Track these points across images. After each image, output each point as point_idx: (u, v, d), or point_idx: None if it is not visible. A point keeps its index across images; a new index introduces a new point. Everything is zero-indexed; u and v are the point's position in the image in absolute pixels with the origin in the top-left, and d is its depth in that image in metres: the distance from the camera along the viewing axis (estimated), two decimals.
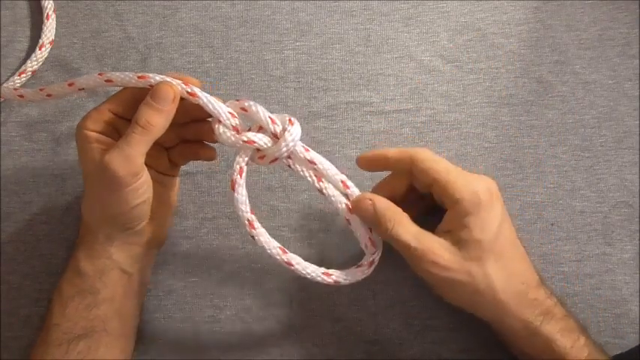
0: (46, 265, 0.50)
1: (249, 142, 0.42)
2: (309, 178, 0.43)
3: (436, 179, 0.43)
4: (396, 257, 0.48)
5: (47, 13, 0.55)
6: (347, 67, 0.55)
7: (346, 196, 0.44)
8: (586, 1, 0.57)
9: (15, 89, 0.47)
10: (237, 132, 0.42)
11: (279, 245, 0.43)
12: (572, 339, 0.42)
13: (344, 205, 0.44)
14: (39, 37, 0.55)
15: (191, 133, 0.45)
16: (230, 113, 0.42)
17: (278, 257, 0.43)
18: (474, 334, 0.49)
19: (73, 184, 0.52)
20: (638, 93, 0.55)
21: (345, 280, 0.44)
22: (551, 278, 0.50)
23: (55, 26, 0.56)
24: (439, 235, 0.43)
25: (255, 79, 0.55)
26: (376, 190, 0.47)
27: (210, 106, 0.41)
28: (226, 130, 0.42)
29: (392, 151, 0.45)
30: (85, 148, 0.42)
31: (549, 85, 0.55)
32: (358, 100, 0.55)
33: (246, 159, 0.42)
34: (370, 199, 0.43)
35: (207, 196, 0.52)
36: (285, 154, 0.42)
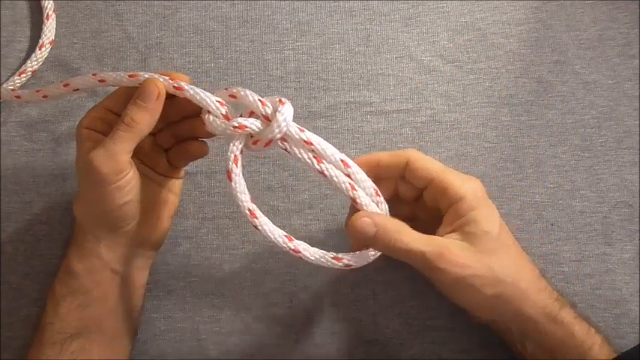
0: (46, 265, 0.50)
1: (240, 127, 0.40)
2: (308, 160, 0.41)
3: (434, 178, 0.43)
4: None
5: (47, 13, 0.55)
6: (347, 67, 0.55)
7: (348, 175, 0.42)
8: (586, 1, 0.57)
9: (12, 90, 0.48)
10: (228, 120, 0.41)
11: (284, 233, 0.42)
12: (585, 326, 0.43)
13: (347, 185, 0.41)
14: (39, 37, 0.55)
15: (185, 130, 0.45)
16: (219, 102, 0.41)
17: (284, 245, 0.41)
18: (474, 334, 0.49)
19: (73, 184, 0.52)
20: (638, 93, 0.55)
21: (356, 262, 0.42)
22: (551, 278, 0.50)
23: (55, 26, 0.56)
24: (444, 236, 0.42)
25: (255, 79, 0.55)
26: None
27: (198, 97, 0.41)
28: (216, 118, 0.41)
29: (384, 155, 0.44)
30: (79, 146, 0.42)
31: (549, 85, 0.55)
32: (358, 100, 0.55)
33: (240, 146, 0.41)
34: (366, 217, 0.41)
35: (207, 196, 0.52)
36: (279, 136, 0.40)
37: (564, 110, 0.55)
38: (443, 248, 0.40)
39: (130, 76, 0.41)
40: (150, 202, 0.45)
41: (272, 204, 0.52)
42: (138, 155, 0.44)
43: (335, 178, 0.41)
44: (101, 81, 0.43)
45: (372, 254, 0.43)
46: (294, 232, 0.51)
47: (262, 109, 0.40)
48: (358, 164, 0.43)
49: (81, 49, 0.56)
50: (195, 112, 0.42)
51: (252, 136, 0.41)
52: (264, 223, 0.41)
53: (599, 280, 0.51)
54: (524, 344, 0.43)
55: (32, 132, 0.53)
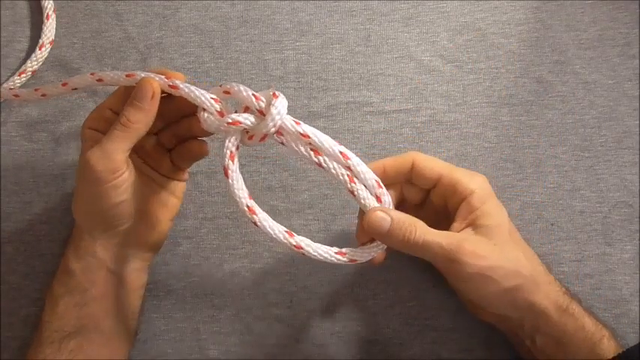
0: (46, 265, 0.50)
1: (234, 122, 0.40)
2: (305, 153, 0.41)
3: (443, 176, 0.43)
4: (395, 258, 0.48)
5: (47, 13, 0.55)
6: (347, 67, 0.55)
7: (347, 167, 0.41)
8: (586, 1, 0.57)
9: (11, 89, 0.47)
10: (223, 116, 0.41)
11: (285, 229, 0.41)
12: (594, 319, 0.43)
13: (346, 177, 0.41)
14: (39, 37, 0.55)
15: (185, 129, 0.45)
16: (213, 99, 0.40)
17: (285, 241, 0.41)
18: (474, 334, 0.49)
19: (73, 184, 0.52)
20: (638, 93, 0.55)
21: (361, 256, 0.42)
22: None
23: (55, 26, 0.56)
24: (459, 231, 0.42)
25: (255, 79, 0.55)
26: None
27: (192, 95, 0.40)
28: (210, 115, 0.40)
29: (388, 160, 0.44)
30: (82, 146, 0.43)
31: (549, 85, 0.55)
32: (358, 100, 0.55)
33: (236, 142, 0.41)
34: (381, 210, 0.41)
35: (207, 196, 0.52)
36: (273, 130, 0.40)
37: (564, 110, 0.55)
38: (462, 241, 0.40)
39: (127, 75, 0.41)
40: (149, 203, 0.45)
41: (272, 204, 0.52)
42: (142, 156, 0.44)
43: (333, 170, 0.41)
44: (99, 80, 0.43)
45: (376, 248, 0.42)
46: (294, 232, 0.51)
47: (256, 104, 0.40)
48: None
49: (81, 49, 0.56)
50: (193, 110, 0.42)
51: (247, 132, 0.41)
52: (264, 219, 0.41)
53: (599, 280, 0.51)
54: (535, 339, 0.43)
55: (32, 132, 0.53)
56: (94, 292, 0.43)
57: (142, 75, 0.41)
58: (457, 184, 0.43)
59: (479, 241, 0.41)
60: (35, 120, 0.54)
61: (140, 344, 0.49)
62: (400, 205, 0.45)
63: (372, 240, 0.43)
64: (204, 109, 0.41)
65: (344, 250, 0.42)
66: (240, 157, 0.52)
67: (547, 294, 0.42)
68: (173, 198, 0.47)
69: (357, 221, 0.44)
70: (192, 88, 0.40)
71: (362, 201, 0.42)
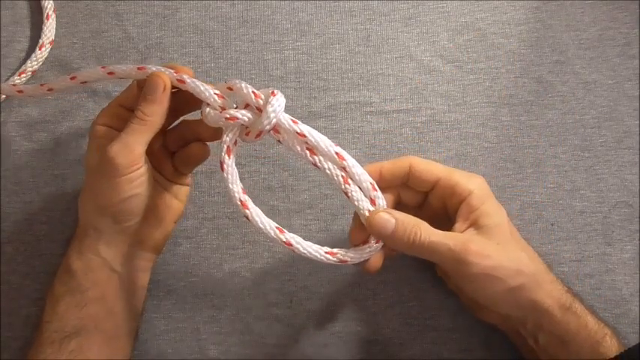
0: (46, 265, 0.50)
1: (232, 118, 0.40)
2: (301, 152, 0.41)
3: (441, 178, 0.43)
4: (395, 258, 0.48)
5: (47, 13, 0.55)
6: (347, 67, 0.55)
7: (343, 168, 0.41)
8: (586, 1, 0.57)
9: (14, 85, 0.47)
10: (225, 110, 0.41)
11: (276, 225, 0.41)
12: (595, 317, 0.43)
13: (340, 178, 0.41)
14: (39, 37, 0.55)
15: (191, 131, 0.45)
16: (217, 94, 0.41)
17: (276, 237, 0.41)
18: (474, 334, 0.49)
19: (73, 184, 0.52)
20: (638, 93, 0.55)
21: (352, 258, 0.42)
22: None
23: (55, 26, 0.56)
24: (461, 232, 0.42)
25: (255, 79, 0.55)
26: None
27: (198, 90, 0.41)
28: (211, 110, 0.41)
29: (385, 164, 0.44)
30: (91, 142, 0.43)
31: (549, 85, 0.55)
32: (358, 100, 0.55)
33: (234, 138, 0.41)
34: (384, 212, 0.41)
35: (207, 196, 0.52)
36: (268, 127, 0.40)
37: (564, 110, 0.55)
38: (467, 241, 0.40)
39: (138, 68, 0.42)
40: (154, 204, 0.45)
41: (272, 204, 0.52)
42: (147, 157, 0.45)
43: (328, 171, 0.41)
44: (110, 74, 0.43)
45: (369, 250, 0.42)
46: (293, 232, 0.51)
47: (255, 101, 0.40)
48: None
49: (81, 49, 0.56)
50: (199, 105, 0.43)
51: (246, 127, 0.41)
52: (256, 214, 0.41)
53: (599, 280, 0.51)
54: (537, 338, 0.43)
55: (32, 132, 0.53)
56: (96, 293, 0.43)
57: (153, 68, 0.42)
58: (456, 186, 0.43)
59: (482, 241, 0.41)
60: (35, 120, 0.54)
61: (140, 344, 0.49)
62: (398, 207, 0.45)
63: (365, 242, 0.43)
64: (207, 105, 0.42)
65: (335, 250, 0.42)
66: (240, 157, 0.52)
67: (550, 292, 0.42)
68: (177, 201, 0.47)
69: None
70: (198, 83, 0.41)
71: (355, 202, 0.42)
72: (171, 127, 0.46)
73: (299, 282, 0.51)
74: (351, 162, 0.41)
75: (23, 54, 0.56)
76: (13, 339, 0.49)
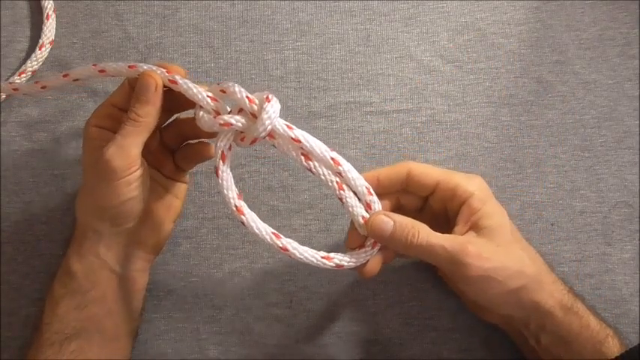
0: (46, 265, 0.50)
1: (226, 124, 0.40)
2: (296, 157, 0.41)
3: (440, 181, 0.43)
4: (395, 258, 0.48)
5: (47, 13, 0.55)
6: (347, 67, 0.55)
7: (339, 173, 0.41)
8: (586, 1, 0.57)
9: (9, 83, 0.47)
10: (219, 115, 0.41)
11: (272, 230, 0.41)
12: (597, 317, 0.43)
13: (335, 184, 0.41)
14: (39, 37, 0.55)
15: (189, 129, 0.45)
16: (210, 97, 0.40)
17: (272, 243, 0.41)
18: (474, 334, 0.49)
19: (73, 184, 0.52)
20: (638, 93, 0.55)
21: (348, 262, 0.42)
22: None
23: (55, 26, 0.56)
24: (461, 234, 0.42)
25: (255, 79, 0.55)
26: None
27: (190, 92, 0.41)
28: (205, 114, 0.41)
29: (383, 170, 0.44)
30: (86, 144, 0.43)
31: (549, 85, 0.55)
32: (358, 100, 0.55)
33: (228, 143, 0.41)
34: (383, 214, 0.41)
35: (207, 196, 0.52)
36: (263, 134, 0.40)
37: (564, 110, 0.55)
38: (466, 243, 0.40)
39: (129, 66, 0.42)
40: (153, 204, 0.45)
41: (272, 204, 0.52)
42: (145, 157, 0.44)
43: (323, 177, 0.41)
44: (101, 71, 0.43)
45: (365, 255, 0.42)
46: (294, 232, 0.51)
47: (249, 106, 0.40)
48: None
49: (81, 49, 0.56)
50: (194, 105, 0.42)
51: (241, 132, 0.41)
52: (252, 220, 0.41)
53: (599, 280, 0.51)
54: (540, 338, 0.43)
55: (32, 132, 0.53)
56: (96, 294, 0.43)
57: (145, 67, 0.41)
58: (456, 188, 0.43)
59: (482, 243, 0.41)
60: (35, 120, 0.54)
61: (140, 344, 0.49)
62: (398, 211, 0.45)
63: (362, 246, 0.43)
64: (201, 107, 0.41)
65: (331, 255, 0.42)
66: (240, 157, 0.53)
67: (551, 293, 0.42)
68: (175, 199, 0.47)
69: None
70: (191, 84, 0.41)
71: (350, 209, 0.42)
72: (167, 123, 0.46)
73: (299, 282, 0.51)
74: (346, 167, 0.41)
75: (23, 54, 0.56)
76: (13, 339, 0.49)
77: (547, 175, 0.53)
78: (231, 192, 0.41)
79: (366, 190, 0.42)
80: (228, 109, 0.41)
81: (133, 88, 0.42)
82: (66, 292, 0.43)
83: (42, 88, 0.46)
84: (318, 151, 0.40)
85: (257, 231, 0.41)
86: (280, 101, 0.54)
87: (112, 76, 0.43)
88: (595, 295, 0.50)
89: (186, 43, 0.56)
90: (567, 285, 0.44)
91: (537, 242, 0.51)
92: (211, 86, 0.41)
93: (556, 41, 0.56)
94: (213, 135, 0.43)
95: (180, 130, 0.45)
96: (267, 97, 0.39)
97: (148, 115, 0.41)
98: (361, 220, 0.42)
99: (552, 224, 0.52)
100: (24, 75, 0.54)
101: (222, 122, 0.40)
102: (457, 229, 0.43)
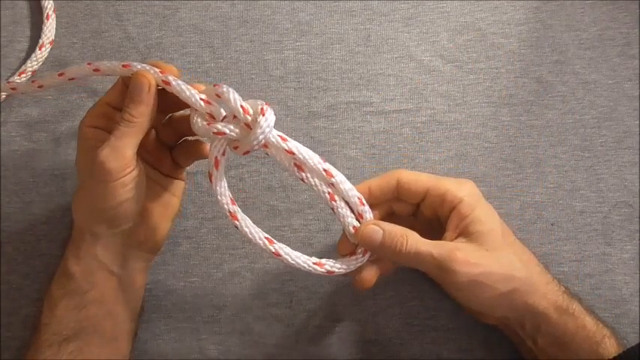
0: (46, 265, 0.50)
1: (219, 133, 0.40)
2: (289, 167, 0.41)
3: (430, 188, 0.44)
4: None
5: (47, 13, 0.55)
6: (347, 67, 0.55)
7: (332, 184, 0.42)
8: (586, 1, 0.57)
9: (7, 82, 0.47)
10: (213, 119, 0.41)
11: (265, 235, 0.42)
12: (594, 318, 0.43)
13: (327, 195, 0.42)
14: (39, 37, 0.55)
15: (185, 127, 0.44)
16: (204, 100, 0.40)
17: (265, 248, 0.41)
18: (474, 334, 0.49)
19: (73, 184, 0.52)
20: (638, 93, 0.55)
21: (339, 269, 0.42)
22: None
23: (55, 26, 0.56)
24: (451, 240, 0.43)
25: (255, 79, 0.55)
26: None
27: (183, 94, 0.40)
28: (198, 119, 0.41)
29: (373, 181, 0.45)
30: (81, 145, 0.43)
31: (549, 85, 0.55)
32: (358, 100, 0.55)
33: (222, 149, 0.41)
34: (373, 224, 0.42)
35: (207, 196, 0.52)
36: (257, 147, 0.40)
37: (564, 110, 0.55)
38: (453, 249, 0.41)
39: (123, 65, 0.41)
40: (150, 203, 0.45)
41: (272, 204, 0.52)
42: (142, 155, 0.44)
43: (315, 187, 0.42)
44: (96, 70, 0.43)
45: (356, 262, 0.43)
46: (294, 232, 0.51)
47: (243, 117, 0.40)
48: None
49: (81, 49, 0.56)
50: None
51: (235, 140, 0.41)
52: (245, 225, 0.41)
53: (599, 280, 0.51)
54: (536, 339, 0.43)
55: (32, 132, 0.53)
56: (94, 294, 0.43)
57: (138, 66, 0.41)
58: (445, 195, 0.43)
59: (470, 249, 0.41)
60: (35, 120, 0.54)
61: (140, 344, 0.49)
62: (391, 218, 0.45)
63: (353, 254, 0.43)
64: (196, 110, 0.41)
65: (322, 261, 0.42)
66: (240, 157, 0.52)
67: (545, 295, 0.42)
68: (173, 198, 0.47)
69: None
70: (184, 86, 0.40)
71: (341, 219, 0.42)
72: (164, 121, 0.46)
73: (299, 282, 0.51)
74: (339, 178, 0.42)
75: (23, 54, 0.56)
76: (13, 339, 0.49)
77: (547, 175, 0.53)
78: (225, 197, 0.41)
79: (358, 201, 0.42)
80: (223, 114, 0.41)
81: (127, 87, 0.42)
82: (64, 293, 0.43)
83: (39, 87, 0.45)
84: (311, 163, 0.41)
85: (250, 236, 0.41)
86: (280, 101, 0.54)
87: (107, 74, 0.43)
88: (595, 295, 0.50)
89: (186, 43, 0.56)
90: (564, 285, 0.44)
91: (537, 242, 0.51)
92: (207, 87, 0.41)
93: (556, 41, 0.56)
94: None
95: (177, 127, 0.45)
96: (262, 110, 0.39)
97: (142, 115, 0.41)
98: (352, 230, 0.42)
99: (552, 224, 0.52)
100: (24, 75, 0.54)
101: (215, 131, 0.40)
102: (447, 235, 0.43)
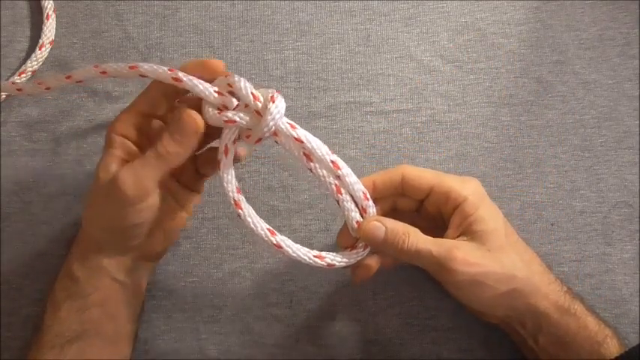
0: (46, 265, 0.50)
1: (230, 121, 0.40)
2: (298, 156, 0.41)
3: (434, 186, 0.43)
4: (395, 264, 0.48)
5: (47, 13, 0.55)
6: (347, 67, 0.55)
7: (338, 177, 0.42)
8: (586, 1, 0.57)
9: (13, 83, 0.47)
10: (226, 109, 0.40)
11: (268, 227, 0.42)
12: (596, 318, 0.43)
13: (333, 187, 0.42)
14: (39, 37, 0.55)
15: (214, 131, 0.43)
16: (217, 92, 0.40)
17: (267, 239, 0.41)
18: (474, 334, 0.49)
19: (73, 184, 0.52)
20: (638, 93, 0.55)
21: (340, 262, 0.43)
22: None
23: (55, 26, 0.56)
24: (453, 239, 0.43)
25: (255, 79, 0.55)
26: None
27: (197, 89, 0.40)
28: (210, 109, 0.40)
29: (378, 176, 0.45)
30: (107, 151, 0.41)
31: (549, 85, 0.55)
32: (358, 100, 0.55)
33: (232, 138, 0.41)
34: (376, 220, 0.42)
35: (207, 196, 0.52)
36: (268, 134, 0.40)
37: (564, 110, 0.55)
38: (452, 248, 0.41)
39: (130, 67, 0.41)
40: (162, 218, 0.44)
41: (272, 204, 0.52)
42: None
43: (322, 178, 0.42)
44: (103, 73, 0.42)
45: (356, 255, 0.43)
46: (294, 232, 0.51)
47: (254, 104, 0.40)
48: None
49: (81, 49, 0.56)
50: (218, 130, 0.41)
51: (248, 129, 0.41)
52: (248, 215, 0.41)
53: (599, 280, 0.51)
54: (537, 338, 0.43)
55: (32, 132, 0.53)
56: (97, 297, 0.43)
57: (145, 67, 0.41)
58: (449, 193, 0.43)
59: (471, 248, 0.41)
60: (35, 120, 0.54)
61: (140, 344, 0.49)
62: (395, 214, 0.45)
63: (354, 247, 0.43)
64: (208, 102, 0.41)
65: (323, 254, 0.42)
66: None
67: (546, 295, 0.42)
68: (184, 213, 0.46)
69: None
70: (196, 81, 0.40)
71: (346, 212, 0.42)
72: None
73: (299, 282, 0.51)
74: (346, 171, 0.42)
75: (23, 54, 0.56)
76: (13, 339, 0.49)
77: (547, 175, 0.53)
78: (231, 185, 0.41)
79: (362, 195, 0.42)
80: (235, 103, 0.41)
81: (162, 92, 0.41)
82: (67, 295, 0.43)
83: (46, 89, 0.45)
84: (319, 153, 0.41)
85: (253, 226, 0.41)
86: None
87: (114, 77, 0.43)
88: (595, 295, 0.50)
89: (186, 43, 0.56)
90: (566, 285, 0.44)
91: (537, 242, 0.51)
92: (219, 79, 0.41)
93: (556, 41, 0.56)
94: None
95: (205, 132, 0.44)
96: (272, 97, 0.39)
97: (177, 155, 0.40)
98: (355, 225, 0.43)
99: (552, 224, 0.52)
100: (24, 75, 0.54)
101: (226, 119, 0.40)
102: (449, 232, 0.43)
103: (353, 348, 0.49)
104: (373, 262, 0.44)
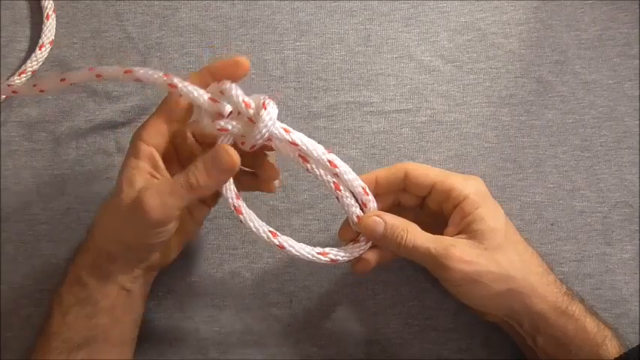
0: (46, 265, 0.50)
1: (223, 130, 0.40)
2: (294, 159, 0.41)
3: (436, 183, 0.44)
4: (395, 258, 0.48)
5: (47, 13, 0.55)
6: (347, 67, 0.55)
7: (335, 175, 0.42)
8: (586, 1, 0.57)
9: (9, 85, 0.47)
10: (221, 116, 0.40)
11: (269, 229, 0.42)
12: (595, 319, 0.43)
13: (332, 184, 0.42)
14: (39, 37, 0.55)
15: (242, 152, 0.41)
16: (211, 99, 0.40)
17: (269, 241, 0.42)
18: (474, 334, 0.49)
19: (73, 184, 0.52)
20: (638, 93, 0.55)
21: (342, 257, 0.43)
22: None
23: (55, 26, 0.56)
24: (451, 236, 0.43)
25: (255, 79, 0.55)
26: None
27: (191, 95, 0.40)
28: (204, 117, 0.40)
29: (381, 172, 0.45)
30: (131, 162, 0.40)
31: (549, 85, 0.55)
32: (358, 100, 0.55)
33: (228, 144, 0.40)
34: (377, 216, 0.42)
35: None
36: (261, 141, 0.40)
37: (564, 110, 0.55)
38: (449, 246, 0.41)
39: (125, 71, 0.41)
40: (176, 232, 0.43)
41: (272, 204, 0.52)
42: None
43: (320, 177, 0.42)
44: (98, 76, 0.42)
45: (359, 249, 0.44)
46: (294, 232, 0.51)
47: (245, 112, 0.40)
48: None
49: (81, 49, 0.56)
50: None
51: (242, 135, 0.41)
52: (249, 218, 0.42)
53: (599, 280, 0.51)
54: (536, 338, 0.43)
55: (32, 132, 0.53)
56: (105, 304, 0.43)
57: (141, 71, 0.40)
58: (451, 191, 0.43)
59: (468, 246, 0.41)
60: (35, 120, 0.54)
61: (140, 344, 0.49)
62: (397, 210, 0.45)
63: (356, 241, 0.44)
64: (204, 110, 0.41)
65: (326, 250, 0.43)
66: None
67: (544, 296, 0.42)
68: (195, 225, 0.46)
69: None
70: (190, 88, 0.40)
71: (346, 207, 0.43)
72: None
73: (299, 282, 0.51)
74: (343, 169, 0.42)
75: (23, 54, 0.56)
76: (13, 339, 0.49)
77: (547, 175, 0.53)
78: (230, 192, 0.42)
79: (362, 190, 0.43)
80: (229, 110, 0.41)
81: (179, 102, 0.40)
82: (76, 301, 0.42)
83: (40, 91, 0.45)
84: (315, 154, 0.41)
85: (254, 229, 0.42)
86: (280, 101, 0.54)
87: (109, 80, 0.42)
88: (595, 295, 0.50)
89: (186, 43, 0.56)
90: (566, 286, 0.44)
91: (537, 242, 0.51)
92: (212, 86, 0.41)
93: (556, 41, 0.56)
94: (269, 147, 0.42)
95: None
96: (264, 104, 0.39)
97: (207, 188, 0.39)
98: (356, 220, 0.43)
99: (552, 224, 0.52)
100: (24, 75, 0.54)
101: (219, 127, 0.40)
102: (448, 230, 0.43)
103: (353, 348, 0.49)
104: (372, 257, 0.44)
